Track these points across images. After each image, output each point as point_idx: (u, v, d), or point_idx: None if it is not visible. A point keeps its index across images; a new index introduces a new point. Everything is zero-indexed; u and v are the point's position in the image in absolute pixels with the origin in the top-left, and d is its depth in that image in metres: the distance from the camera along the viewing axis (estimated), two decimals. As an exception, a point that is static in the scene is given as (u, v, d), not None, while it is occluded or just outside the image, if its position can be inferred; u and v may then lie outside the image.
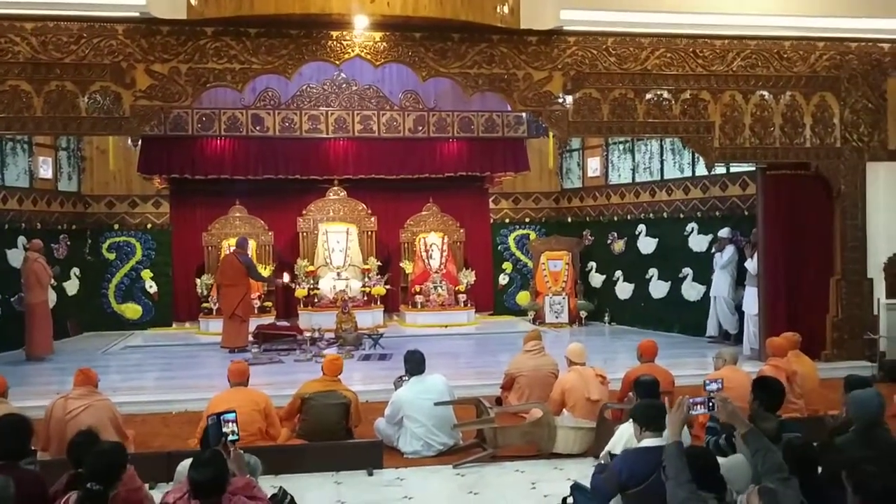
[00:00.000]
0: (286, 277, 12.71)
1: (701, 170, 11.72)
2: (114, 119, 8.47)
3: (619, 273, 13.65)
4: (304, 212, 14.00)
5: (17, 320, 11.23)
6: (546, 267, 13.78)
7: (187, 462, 4.21)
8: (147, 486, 4.89)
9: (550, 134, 13.14)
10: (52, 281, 11.45)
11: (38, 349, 10.88)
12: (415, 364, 6.69)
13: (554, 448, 6.35)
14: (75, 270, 13.24)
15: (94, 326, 13.40)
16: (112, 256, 13.79)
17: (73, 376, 6.24)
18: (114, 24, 8.38)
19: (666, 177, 12.84)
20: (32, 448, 4.40)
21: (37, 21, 8.23)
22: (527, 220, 15.06)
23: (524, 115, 13.46)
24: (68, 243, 13.10)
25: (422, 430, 6.44)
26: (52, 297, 11.65)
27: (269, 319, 12.65)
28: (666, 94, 9.30)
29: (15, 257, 11.83)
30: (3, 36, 8.18)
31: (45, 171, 12.85)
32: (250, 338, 11.48)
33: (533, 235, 14.86)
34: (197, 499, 3.55)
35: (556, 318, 13.48)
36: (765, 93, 9.52)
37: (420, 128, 13.73)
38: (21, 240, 11.98)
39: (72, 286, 13.14)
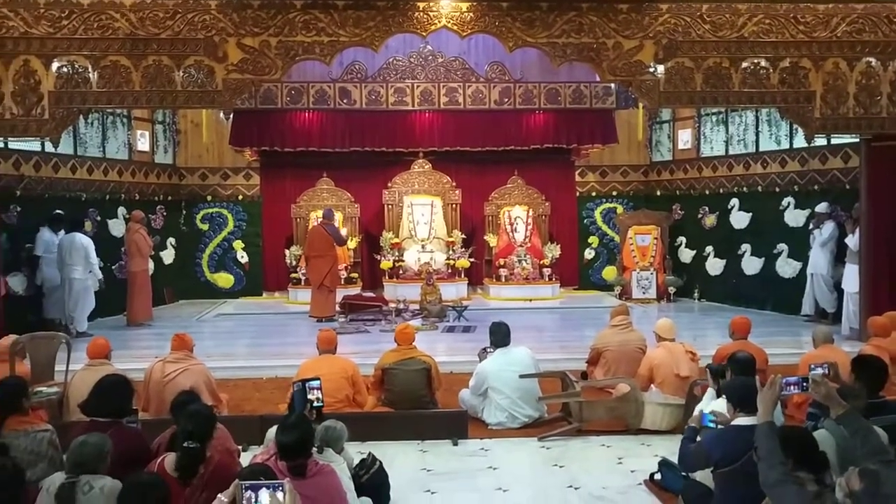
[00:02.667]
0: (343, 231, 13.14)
1: (799, 142, 11.25)
2: (207, 92, 8.64)
3: (709, 248, 13.29)
4: (389, 184, 14.11)
5: (119, 288, 11.75)
6: (633, 241, 13.53)
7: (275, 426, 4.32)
8: (240, 447, 5.07)
9: (640, 105, 12.85)
10: (152, 251, 11.92)
11: (138, 315, 11.36)
12: (500, 336, 6.68)
13: (641, 424, 6.26)
14: (171, 240, 13.73)
15: (189, 294, 13.90)
16: (205, 227, 14.24)
17: (171, 341, 6.48)
18: (207, -1, 8.55)
19: (761, 149, 12.39)
20: (134, 408, 4.59)
21: (135, -3, 8.46)
22: (614, 193, 14.80)
23: (613, 85, 13.17)
24: (164, 214, 13.59)
25: (506, 402, 6.44)
26: (151, 266, 12.11)
27: (355, 290, 12.85)
28: (763, 63, 8.91)
29: (116, 227, 12.35)
30: (103, 13, 8.43)
31: (143, 144, 13.34)
32: (337, 308, 11.70)
33: (620, 209, 14.59)
34: (284, 460, 3.63)
35: (644, 293, 13.24)
36: (872, 59, 9.00)
37: (506, 99, 13.61)
38: (121, 210, 12.49)
39: (168, 255, 13.65)
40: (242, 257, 14.23)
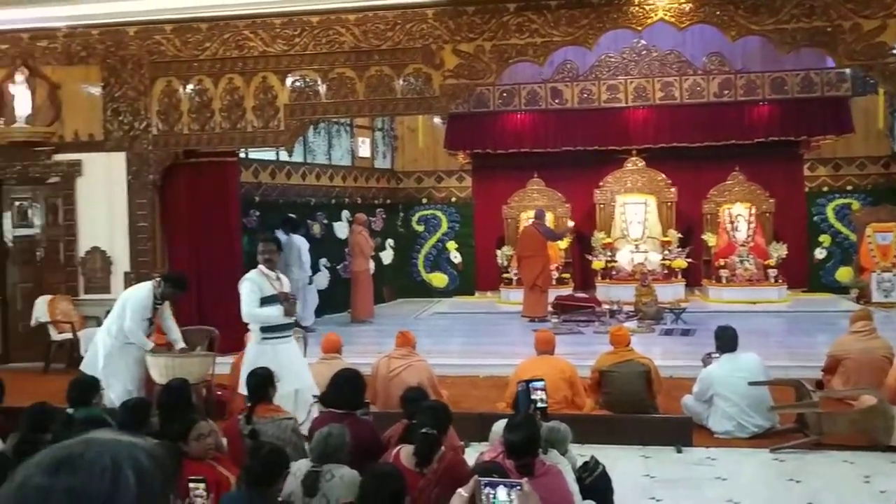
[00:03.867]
0: (571, 224, 13.07)
1: None
2: (425, 99, 8.95)
3: (966, 247, 11.88)
4: (601, 183, 13.88)
5: (344, 286, 12.48)
6: (872, 240, 12.36)
7: (499, 424, 4.37)
8: (462, 444, 5.18)
9: (880, 90, 11.73)
10: (373, 251, 12.57)
11: (361, 313, 12.00)
12: (727, 340, 6.35)
13: (891, 441, 5.69)
14: (390, 241, 14.38)
15: (406, 293, 14.47)
16: (421, 228, 14.78)
17: (395, 338, 6.77)
18: (424, 8, 8.83)
19: None
20: (367, 401, 4.83)
21: (358, 13, 8.93)
22: (849, 187, 13.61)
23: (848, 71, 12.12)
24: (384, 216, 14.26)
25: (734, 410, 6.11)
26: (372, 266, 12.76)
27: (567, 291, 12.77)
28: None
29: (340, 229, 13.13)
30: (331, 28, 8.99)
31: (364, 151, 14.10)
32: (549, 308, 11.70)
33: (856, 205, 13.39)
34: (511, 458, 3.66)
35: (885, 297, 12.06)
36: None
37: (726, 91, 12.93)
38: (345, 213, 13.27)
39: (387, 256, 14.29)
40: (456, 258, 14.62)
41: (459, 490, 2.26)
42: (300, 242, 11.37)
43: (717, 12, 8.32)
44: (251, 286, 5.74)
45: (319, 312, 11.80)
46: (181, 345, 6.73)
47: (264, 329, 5.77)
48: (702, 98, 13.00)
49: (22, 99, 9.14)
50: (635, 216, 13.51)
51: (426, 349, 9.07)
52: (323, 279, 12.39)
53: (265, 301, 5.72)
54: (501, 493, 2.40)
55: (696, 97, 13.01)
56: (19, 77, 9.15)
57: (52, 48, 9.37)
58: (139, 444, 1.09)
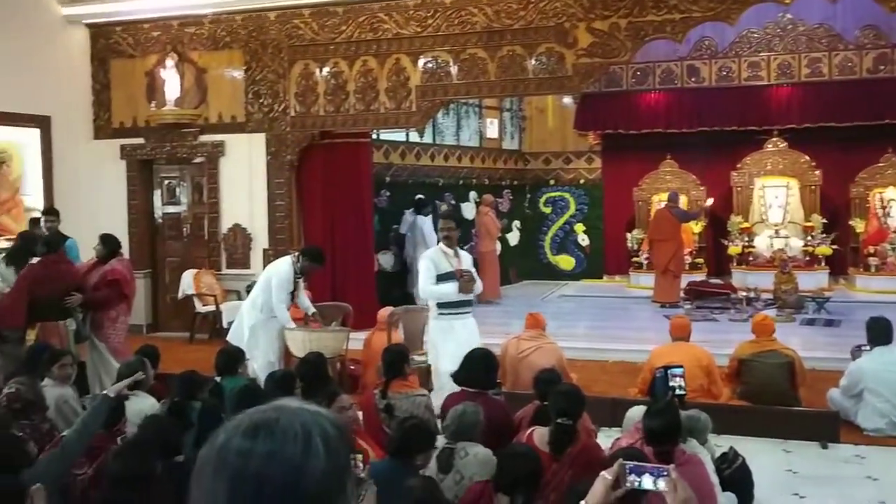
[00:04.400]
0: (710, 200, 12.43)
1: None
2: (557, 78, 8.82)
3: None
4: (738, 165, 13.27)
5: (470, 267, 12.54)
6: None
7: (634, 410, 4.28)
8: (594, 428, 5.10)
9: None
10: (499, 232, 12.57)
11: (487, 294, 11.97)
12: (880, 332, 5.98)
13: None
14: (516, 223, 14.33)
15: (531, 275, 14.39)
16: (548, 210, 14.63)
17: (525, 319, 6.73)
18: (558, -14, 8.69)
19: None
20: (498, 381, 4.84)
21: (491, -9, 8.88)
22: None
23: None
24: (511, 197, 14.22)
25: (887, 407, 5.74)
26: (498, 247, 12.76)
27: (700, 276, 12.34)
28: None
29: (467, 210, 13.18)
30: (463, 9, 8.98)
31: (492, 132, 14.07)
32: (682, 294, 11.35)
33: None
34: (650, 445, 3.57)
35: None
36: None
37: (881, 67, 12.03)
38: (472, 194, 13.30)
39: (513, 237, 14.26)
40: (583, 240, 14.39)
41: (603, 473, 2.19)
42: (420, 222, 11.54)
43: (875, -19, 7.76)
44: (427, 263, 5.91)
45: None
46: (313, 310, 6.95)
47: (440, 305, 5.92)
48: (853, 74, 12.16)
49: (172, 83, 9.64)
50: (775, 200, 12.89)
51: (553, 331, 8.90)
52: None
53: (441, 278, 5.85)
54: (647, 480, 2.30)
55: (846, 73, 12.19)
56: (169, 62, 9.66)
57: (199, 34, 9.82)
58: (324, 414, 1.10)
